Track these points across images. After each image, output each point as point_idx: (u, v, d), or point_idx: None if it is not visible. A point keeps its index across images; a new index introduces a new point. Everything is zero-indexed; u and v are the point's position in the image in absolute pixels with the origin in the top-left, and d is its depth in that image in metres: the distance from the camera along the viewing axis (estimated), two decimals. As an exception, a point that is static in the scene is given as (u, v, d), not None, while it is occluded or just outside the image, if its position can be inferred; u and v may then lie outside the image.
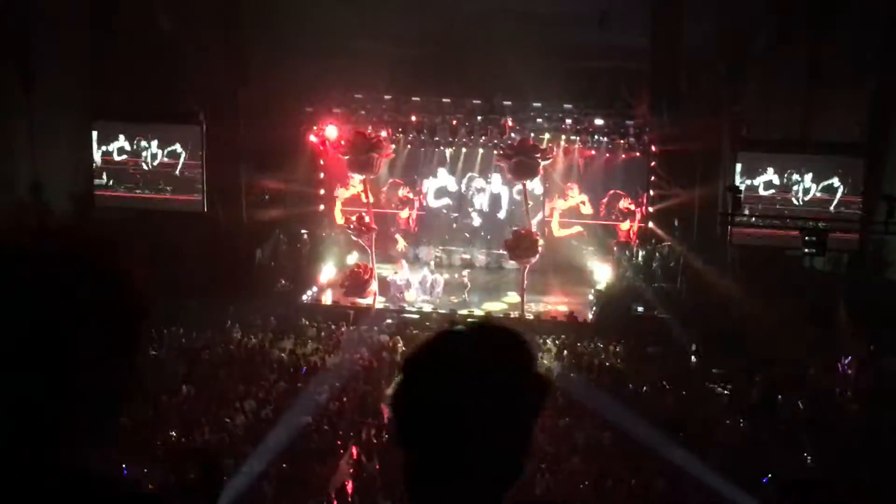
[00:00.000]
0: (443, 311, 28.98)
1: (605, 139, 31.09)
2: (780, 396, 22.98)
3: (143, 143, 30.67)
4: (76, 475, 1.98)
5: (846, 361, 24.88)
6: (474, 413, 2.14)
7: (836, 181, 27.53)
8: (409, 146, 32.74)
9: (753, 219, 27.17)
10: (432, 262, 32.10)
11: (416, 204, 33.86)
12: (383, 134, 30.56)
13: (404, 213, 33.67)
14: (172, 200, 30.45)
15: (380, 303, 29.90)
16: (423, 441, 2.21)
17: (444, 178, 33.67)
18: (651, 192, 30.82)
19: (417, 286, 30.39)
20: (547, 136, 30.81)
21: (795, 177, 27.84)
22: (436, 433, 2.17)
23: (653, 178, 30.65)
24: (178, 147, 30.56)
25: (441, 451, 2.18)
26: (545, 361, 25.44)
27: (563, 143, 31.19)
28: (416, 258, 32.78)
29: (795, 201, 27.88)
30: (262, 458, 19.86)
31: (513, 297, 30.49)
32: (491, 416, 2.15)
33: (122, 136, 30.55)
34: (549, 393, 2.29)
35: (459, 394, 2.15)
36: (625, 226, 31.86)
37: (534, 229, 30.12)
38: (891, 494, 17.52)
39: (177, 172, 30.62)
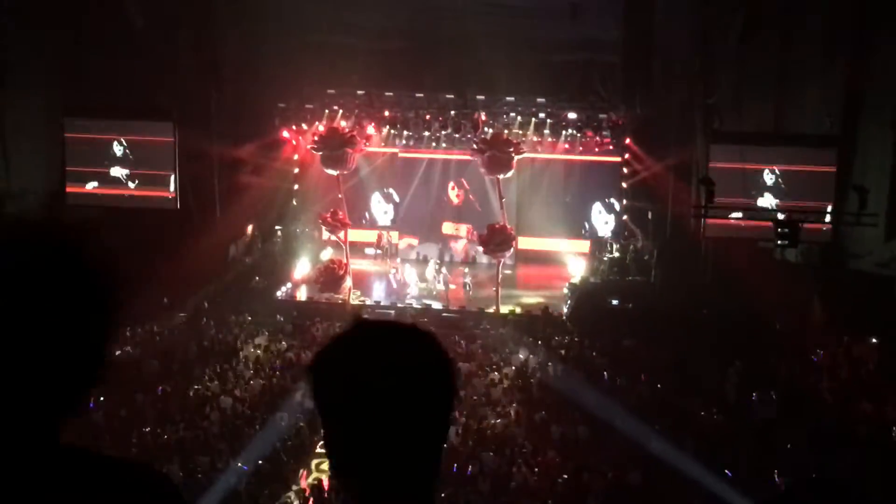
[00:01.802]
0: (438, 307, 29.23)
1: (578, 133, 31.11)
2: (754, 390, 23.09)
3: (115, 140, 30.47)
4: (85, 455, 2.04)
5: (820, 353, 25.05)
6: (383, 409, 2.14)
7: (807, 172, 27.68)
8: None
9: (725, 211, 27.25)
10: (434, 260, 32.06)
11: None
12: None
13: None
14: (145, 197, 30.28)
15: (354, 298, 29.88)
16: (340, 439, 2.20)
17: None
18: (624, 185, 30.92)
19: (416, 282, 30.65)
20: (517, 130, 30.75)
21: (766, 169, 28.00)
22: (347, 432, 2.17)
23: (625, 170, 30.75)
24: (150, 143, 30.39)
25: (356, 448, 2.18)
26: (521, 356, 25.52)
27: (531, 135, 31.12)
28: (420, 256, 32.90)
29: (766, 193, 28.00)
30: (238, 455, 19.83)
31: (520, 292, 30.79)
32: (398, 412, 2.15)
33: (93, 133, 30.32)
34: (456, 386, 2.29)
35: (366, 391, 2.15)
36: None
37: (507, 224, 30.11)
38: (866, 485, 17.62)
39: (149, 169, 30.44)
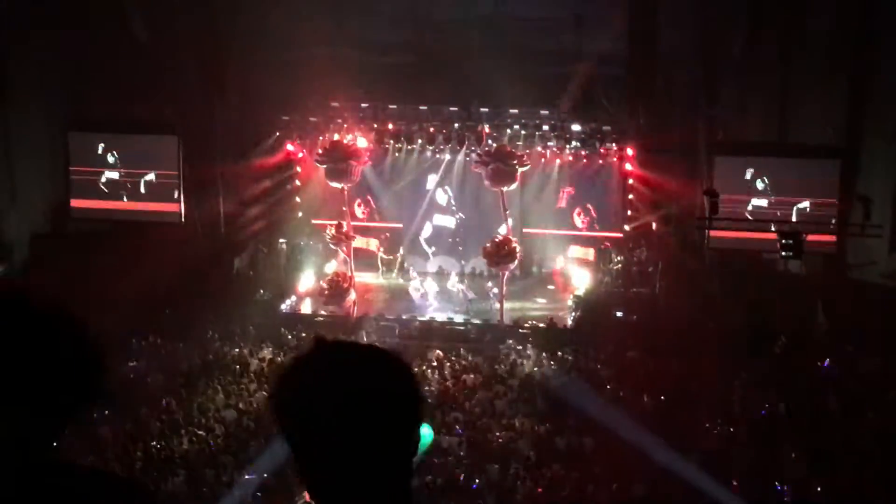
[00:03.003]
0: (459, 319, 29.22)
1: (582, 144, 31.09)
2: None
3: (120, 154, 30.53)
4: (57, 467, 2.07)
5: (825, 363, 24.99)
6: (344, 429, 2.14)
7: (811, 183, 27.68)
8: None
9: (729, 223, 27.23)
10: (455, 273, 31.82)
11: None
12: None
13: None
14: (149, 211, 30.29)
15: (359, 311, 29.86)
16: (307, 462, 2.21)
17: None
18: (629, 197, 30.88)
19: (437, 296, 30.65)
20: (521, 142, 30.69)
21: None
22: (312, 454, 2.18)
23: (630, 182, 30.72)
24: (154, 157, 30.45)
25: (324, 470, 2.18)
26: (525, 368, 25.51)
27: (538, 148, 31.10)
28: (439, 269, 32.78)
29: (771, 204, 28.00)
30: (244, 468, 19.82)
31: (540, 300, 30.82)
32: (359, 431, 2.15)
33: (98, 147, 30.38)
34: (421, 403, 2.29)
35: (326, 413, 2.15)
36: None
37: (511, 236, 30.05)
38: (871, 494, 17.60)
39: (154, 182, 30.49)
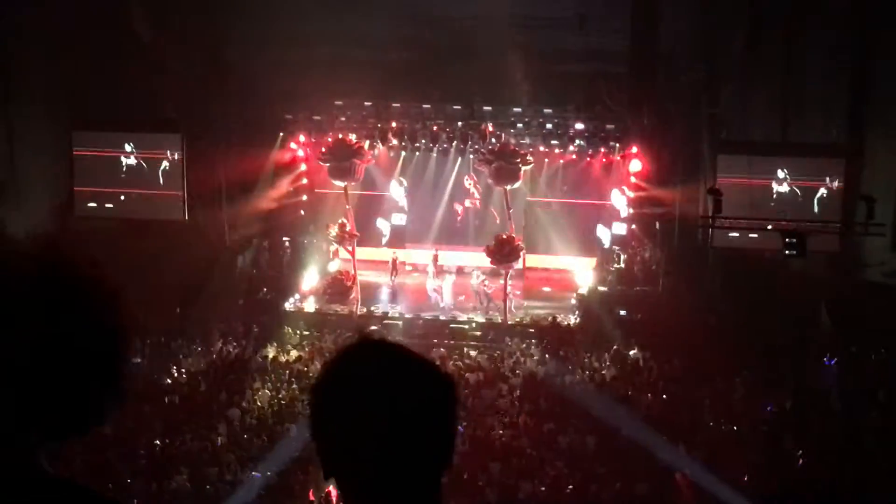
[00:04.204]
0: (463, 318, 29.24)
1: (585, 143, 31.08)
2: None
3: (123, 152, 30.54)
4: (49, 481, 1.99)
5: (829, 363, 25.00)
6: (386, 429, 2.14)
7: (814, 182, 27.67)
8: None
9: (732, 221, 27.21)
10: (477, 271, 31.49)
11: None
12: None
13: None
14: (153, 208, 30.29)
15: (363, 308, 29.89)
16: (348, 460, 2.19)
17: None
18: (632, 196, 30.86)
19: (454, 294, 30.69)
20: (527, 140, 30.70)
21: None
22: (357, 451, 2.17)
23: (633, 181, 30.69)
24: (157, 155, 30.46)
25: (362, 472, 2.18)
26: (529, 366, 25.54)
27: (542, 147, 31.09)
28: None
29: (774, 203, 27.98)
30: (246, 467, 19.86)
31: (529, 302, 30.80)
32: (402, 429, 2.16)
33: (101, 145, 30.39)
34: (455, 396, 2.30)
35: (373, 409, 2.15)
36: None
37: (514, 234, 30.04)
38: (874, 492, 17.61)
39: (157, 180, 30.49)
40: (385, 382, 2.19)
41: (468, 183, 32.93)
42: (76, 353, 1.98)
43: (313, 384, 2.25)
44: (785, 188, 27.93)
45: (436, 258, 31.90)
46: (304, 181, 32.78)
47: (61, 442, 2.04)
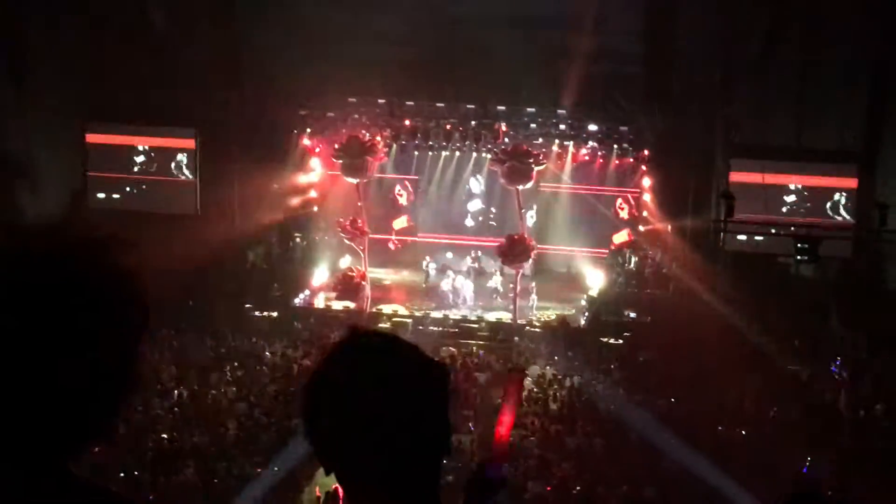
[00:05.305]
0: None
1: (599, 143, 31.01)
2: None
3: (137, 145, 30.63)
4: (70, 482, 1.95)
5: (839, 368, 24.93)
6: (380, 417, 2.13)
7: (828, 188, 27.61)
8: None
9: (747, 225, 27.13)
10: (498, 270, 31.47)
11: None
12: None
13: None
14: (165, 201, 30.36)
15: (373, 306, 29.92)
16: (345, 454, 2.17)
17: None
18: (645, 198, 30.80)
19: (471, 293, 30.64)
20: (540, 140, 30.63)
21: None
22: (354, 445, 2.14)
23: (645, 182, 30.63)
24: (170, 149, 30.54)
25: (363, 460, 2.15)
26: (538, 367, 25.51)
27: (555, 147, 31.02)
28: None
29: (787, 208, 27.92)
30: (254, 462, 19.87)
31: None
32: (396, 416, 2.14)
33: (115, 138, 30.48)
34: (448, 380, 2.28)
35: (367, 400, 2.13)
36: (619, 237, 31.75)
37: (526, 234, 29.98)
38: (885, 497, 17.53)
39: (170, 174, 30.57)
40: (376, 371, 2.16)
41: (477, 181, 32.96)
42: (98, 346, 1.90)
43: (304, 385, 2.23)
44: (798, 192, 27.86)
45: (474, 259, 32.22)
46: (314, 178, 32.76)
47: (88, 445, 1.99)
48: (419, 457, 2.18)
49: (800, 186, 27.85)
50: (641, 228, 31.02)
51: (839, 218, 27.21)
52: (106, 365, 1.93)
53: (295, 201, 32.39)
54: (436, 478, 2.23)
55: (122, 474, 18.51)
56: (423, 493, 2.21)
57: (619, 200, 31.98)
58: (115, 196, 30.69)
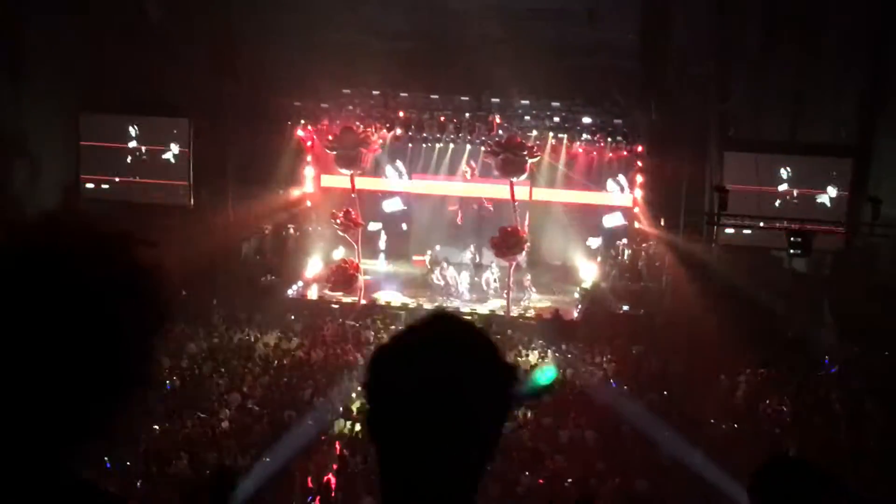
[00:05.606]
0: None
1: (593, 137, 30.97)
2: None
3: (130, 136, 30.56)
4: (71, 485, 1.92)
5: (827, 362, 24.99)
6: (442, 406, 2.11)
7: (822, 182, 27.62)
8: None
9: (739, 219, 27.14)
10: (494, 262, 31.30)
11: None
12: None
13: None
14: (158, 193, 30.34)
15: (364, 298, 29.89)
16: (393, 434, 2.16)
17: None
18: (638, 191, 30.80)
19: (466, 285, 30.61)
20: (534, 133, 30.58)
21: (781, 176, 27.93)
22: (404, 426, 2.13)
23: (639, 176, 30.62)
24: (164, 140, 30.49)
25: (410, 445, 2.14)
26: (530, 359, 25.50)
27: (550, 140, 30.99)
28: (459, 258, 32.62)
29: (780, 201, 27.93)
30: (246, 454, 19.84)
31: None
32: (459, 408, 2.12)
33: (108, 128, 30.42)
34: (517, 384, 2.25)
35: (426, 387, 2.12)
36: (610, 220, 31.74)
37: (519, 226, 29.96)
38: (876, 493, 17.56)
39: (163, 165, 30.52)
40: (447, 355, 2.15)
41: (465, 170, 32.83)
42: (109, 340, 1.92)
43: (377, 348, 2.22)
44: (791, 186, 27.88)
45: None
46: (310, 169, 32.71)
47: (89, 442, 1.97)
48: (465, 452, 2.16)
49: (793, 177, 27.83)
50: (637, 225, 31.00)
51: (832, 212, 27.20)
52: (123, 364, 1.92)
53: (289, 193, 32.33)
54: (475, 480, 2.21)
55: (110, 465, 18.47)
56: (461, 495, 2.19)
57: (610, 181, 31.87)
58: (109, 186, 30.64)
